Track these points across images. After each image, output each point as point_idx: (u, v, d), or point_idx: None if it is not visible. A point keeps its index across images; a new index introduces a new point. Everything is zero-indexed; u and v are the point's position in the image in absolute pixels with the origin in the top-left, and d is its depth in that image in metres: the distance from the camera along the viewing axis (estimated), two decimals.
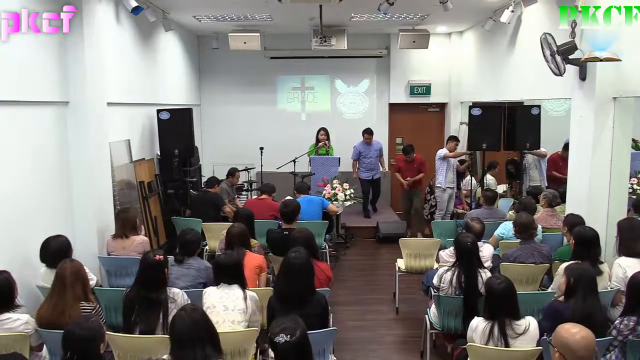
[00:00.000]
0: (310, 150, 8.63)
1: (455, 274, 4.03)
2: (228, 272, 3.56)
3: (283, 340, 2.40)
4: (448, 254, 4.73)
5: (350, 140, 9.14)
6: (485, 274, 4.01)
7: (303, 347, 2.46)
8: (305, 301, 3.42)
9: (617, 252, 4.18)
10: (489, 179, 7.89)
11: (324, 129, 8.84)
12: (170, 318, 3.26)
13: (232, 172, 7.69)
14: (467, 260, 4.03)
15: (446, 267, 4.19)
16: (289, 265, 3.49)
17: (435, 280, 4.26)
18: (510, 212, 5.96)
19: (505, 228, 5.19)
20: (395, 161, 10.34)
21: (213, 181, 7.05)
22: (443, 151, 8.19)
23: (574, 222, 4.42)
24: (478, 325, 3.28)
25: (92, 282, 4.10)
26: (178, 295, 3.57)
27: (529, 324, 3.21)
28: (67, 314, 3.25)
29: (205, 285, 4.03)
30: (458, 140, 8.32)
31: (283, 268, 3.53)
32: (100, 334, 2.68)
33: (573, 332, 2.46)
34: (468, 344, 3.29)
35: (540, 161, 7.48)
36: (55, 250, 3.91)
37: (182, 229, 4.63)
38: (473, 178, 8.05)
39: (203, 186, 7.50)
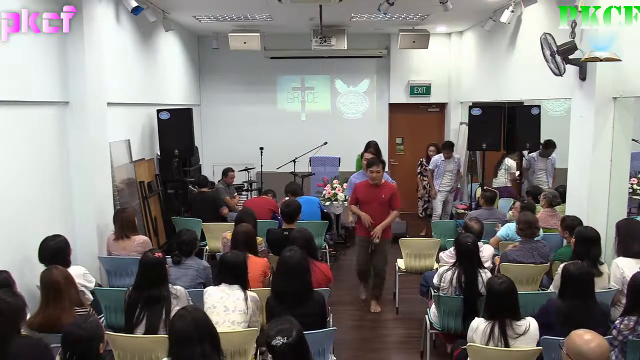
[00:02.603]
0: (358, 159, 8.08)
1: (456, 273, 4.04)
2: (232, 272, 3.56)
3: (280, 342, 2.39)
4: (448, 255, 4.74)
5: (350, 140, 9.13)
6: (485, 274, 4.01)
7: (300, 347, 2.45)
8: (304, 299, 3.43)
9: (615, 252, 4.20)
10: (510, 162, 7.61)
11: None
12: (172, 314, 3.30)
13: (225, 172, 7.70)
14: (467, 260, 4.04)
15: (446, 267, 4.20)
16: (285, 263, 3.52)
17: (435, 280, 4.26)
18: (510, 213, 5.96)
19: (510, 229, 5.18)
20: (395, 161, 10.30)
21: (206, 181, 7.03)
22: (436, 160, 7.88)
23: (574, 224, 4.44)
24: (479, 325, 3.28)
25: (92, 285, 4.09)
26: (180, 292, 3.58)
27: (530, 324, 3.21)
28: (62, 320, 3.18)
29: (204, 286, 4.04)
30: (452, 148, 7.93)
31: (280, 267, 3.55)
32: (98, 334, 2.68)
33: (586, 339, 2.43)
34: (468, 344, 3.29)
35: (553, 167, 7.41)
36: (55, 250, 3.90)
37: (179, 229, 4.62)
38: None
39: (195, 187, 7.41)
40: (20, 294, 3.03)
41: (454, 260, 4.21)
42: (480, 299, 3.82)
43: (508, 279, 3.33)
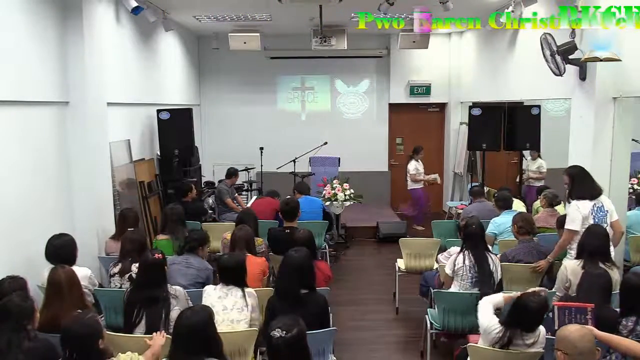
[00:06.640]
0: None
1: (466, 254, 4.09)
2: (230, 274, 3.56)
3: (278, 335, 2.39)
4: (446, 257, 4.73)
5: (351, 140, 9.11)
6: (494, 256, 4.12)
7: (298, 346, 2.43)
8: (304, 299, 3.42)
9: (568, 197, 4.36)
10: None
11: None
12: (172, 314, 3.34)
13: (234, 172, 7.60)
14: (473, 243, 4.11)
15: (454, 255, 4.21)
16: (288, 262, 3.52)
17: (448, 268, 4.22)
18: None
19: (494, 224, 5.24)
20: (395, 161, 10.32)
21: (186, 188, 6.43)
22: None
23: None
24: (495, 327, 3.18)
25: (95, 288, 4.08)
26: (179, 292, 3.58)
27: (540, 334, 3.15)
28: (62, 320, 3.19)
29: (203, 285, 4.04)
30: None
31: (283, 265, 3.55)
32: (97, 329, 2.68)
33: (572, 329, 2.68)
34: (468, 344, 3.28)
35: None
36: (58, 248, 3.87)
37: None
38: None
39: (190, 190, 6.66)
40: (31, 298, 3.03)
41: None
42: (492, 278, 3.95)
43: (544, 298, 3.18)
